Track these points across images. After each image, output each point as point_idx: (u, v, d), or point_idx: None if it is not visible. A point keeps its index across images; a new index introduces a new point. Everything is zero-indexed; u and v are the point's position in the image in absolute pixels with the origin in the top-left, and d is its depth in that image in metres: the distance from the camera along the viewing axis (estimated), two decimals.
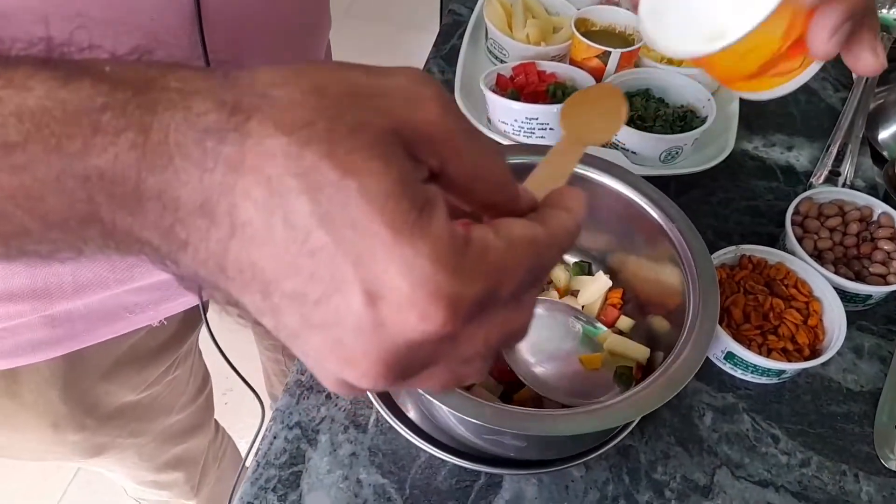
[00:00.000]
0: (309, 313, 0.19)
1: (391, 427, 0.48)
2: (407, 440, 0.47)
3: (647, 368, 0.48)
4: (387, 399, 0.49)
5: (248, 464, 0.47)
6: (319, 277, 0.18)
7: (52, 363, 0.51)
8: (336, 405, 0.50)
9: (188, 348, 0.69)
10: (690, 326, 0.42)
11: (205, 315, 0.52)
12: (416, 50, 0.96)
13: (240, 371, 0.75)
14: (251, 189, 0.18)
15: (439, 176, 0.21)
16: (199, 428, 0.80)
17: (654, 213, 0.48)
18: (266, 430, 0.49)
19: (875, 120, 0.74)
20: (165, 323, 0.57)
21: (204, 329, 0.67)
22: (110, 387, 0.58)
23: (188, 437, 0.78)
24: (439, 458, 0.47)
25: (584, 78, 0.68)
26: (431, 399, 0.38)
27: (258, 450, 0.48)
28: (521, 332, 0.23)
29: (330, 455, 0.47)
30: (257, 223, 0.18)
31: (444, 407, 0.38)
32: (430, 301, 0.18)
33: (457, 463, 0.46)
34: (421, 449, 0.47)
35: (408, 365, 0.20)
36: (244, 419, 0.93)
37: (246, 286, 0.19)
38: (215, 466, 0.89)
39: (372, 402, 0.49)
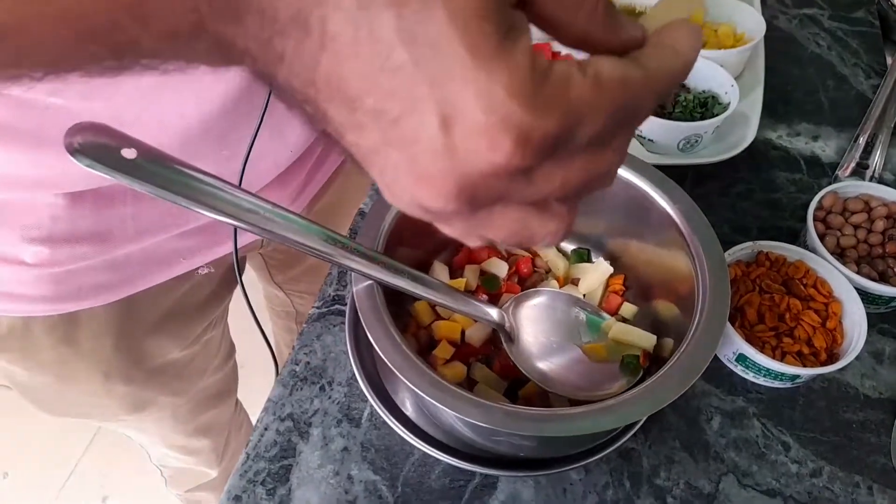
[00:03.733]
0: (388, 130, 0.19)
1: (385, 422, 0.47)
2: (401, 437, 0.46)
3: (653, 355, 0.46)
4: (382, 393, 0.47)
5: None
6: (399, 96, 0.19)
7: (109, 310, 0.54)
8: (330, 398, 0.49)
9: (222, 311, 0.72)
10: (699, 316, 0.40)
11: (237, 266, 0.53)
12: None
13: (253, 342, 0.77)
14: (342, 1, 0.18)
15: (529, 3, 0.20)
16: (227, 395, 0.84)
17: (661, 201, 0.45)
18: (257, 422, 0.47)
19: None
20: (212, 270, 0.59)
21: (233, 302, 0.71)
22: (158, 340, 0.61)
23: (217, 402, 0.81)
24: (433, 457, 0.45)
25: None
26: (437, 403, 0.37)
27: (248, 441, 0.46)
28: (603, 179, 0.23)
29: (321, 449, 0.46)
30: (345, 36, 0.18)
31: (449, 411, 0.37)
32: (499, 130, 0.18)
33: (451, 462, 0.44)
34: (415, 446, 0.46)
35: (479, 193, 0.20)
36: (254, 395, 0.94)
37: (332, 100, 0.20)
38: (236, 437, 0.92)
39: (367, 397, 0.47)
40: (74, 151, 0.33)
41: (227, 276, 0.67)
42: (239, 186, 0.38)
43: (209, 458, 0.88)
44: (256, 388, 0.91)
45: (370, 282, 0.41)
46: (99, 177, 0.35)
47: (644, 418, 0.46)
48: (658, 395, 0.37)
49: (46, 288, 0.50)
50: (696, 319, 0.40)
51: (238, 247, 0.58)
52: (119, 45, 0.21)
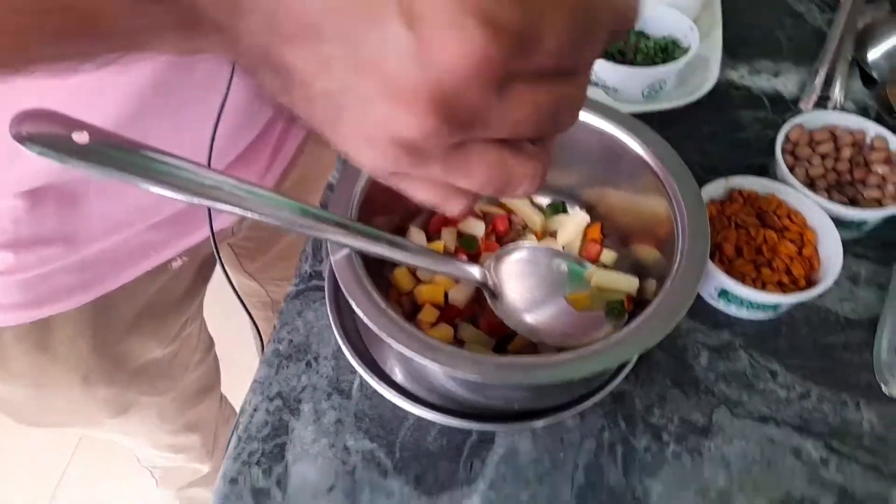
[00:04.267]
0: (355, 53, 0.19)
1: (376, 391, 0.46)
2: (393, 403, 0.45)
3: (637, 299, 0.46)
4: (370, 363, 0.47)
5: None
6: (360, 8, 0.19)
7: (83, 311, 0.52)
8: (317, 373, 0.48)
9: (198, 305, 0.71)
10: (680, 254, 0.40)
11: (216, 248, 0.52)
12: None
13: (229, 337, 0.76)
14: None
15: None
16: (211, 389, 0.83)
17: (633, 144, 0.45)
18: (245, 404, 0.47)
19: (863, 40, 0.71)
20: (185, 260, 0.58)
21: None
22: (137, 339, 0.60)
23: (202, 397, 0.80)
24: (428, 419, 0.45)
25: None
26: (429, 362, 0.36)
27: (238, 423, 0.46)
28: (572, 107, 0.23)
29: (314, 424, 0.46)
30: None
31: (441, 369, 0.36)
32: (466, 16, 0.18)
33: (447, 422, 0.44)
34: (408, 411, 0.45)
35: (456, 106, 0.20)
36: (235, 390, 0.94)
37: (295, 38, 0.20)
38: (224, 431, 0.91)
39: (355, 368, 0.47)
40: (23, 140, 0.31)
41: (201, 268, 0.66)
42: (208, 166, 0.37)
43: (199, 453, 0.87)
44: (240, 381, 0.90)
45: (347, 251, 0.40)
46: (51, 168, 0.33)
47: (634, 360, 0.47)
48: (646, 334, 0.38)
49: (15, 295, 0.49)
50: (678, 257, 0.41)
51: (206, 236, 0.57)
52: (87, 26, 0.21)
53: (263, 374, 0.48)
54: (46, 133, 0.32)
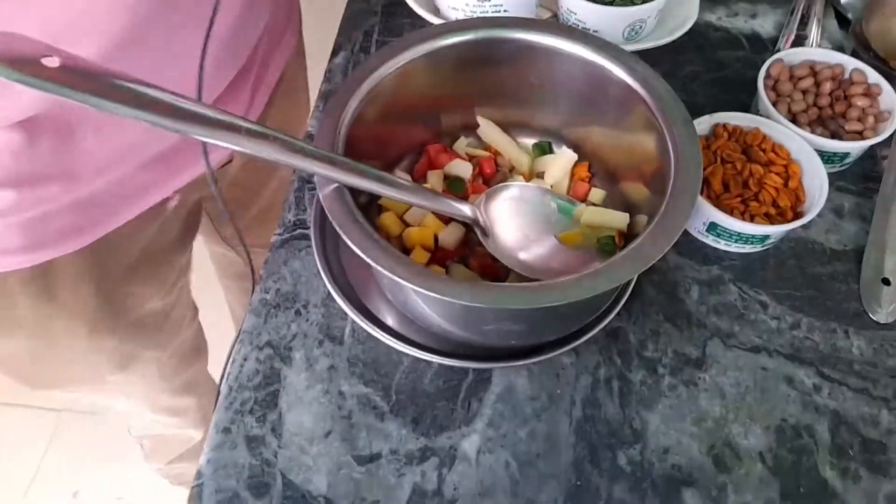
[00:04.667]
0: None
1: (369, 336, 0.45)
2: (387, 347, 0.45)
3: (629, 236, 0.46)
4: (360, 308, 0.46)
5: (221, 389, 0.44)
6: None
7: (83, 255, 0.52)
8: (307, 320, 0.47)
9: (188, 259, 0.71)
10: (674, 176, 0.40)
11: (213, 177, 0.51)
12: None
13: (210, 319, 0.77)
14: None
15: None
16: (203, 351, 0.84)
17: (619, 73, 0.44)
18: (235, 354, 0.45)
19: None
20: (178, 198, 0.58)
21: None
22: (137, 286, 0.61)
23: (197, 357, 0.81)
24: (423, 360, 0.44)
25: None
26: (430, 293, 0.35)
27: (228, 374, 0.44)
28: None
29: (307, 371, 0.45)
30: None
31: (442, 299, 0.35)
32: None
33: (442, 362, 0.44)
34: (403, 353, 0.45)
35: None
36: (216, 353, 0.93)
37: None
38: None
39: (346, 313, 0.46)
40: None
41: (190, 214, 0.66)
42: (198, 100, 0.35)
43: (195, 418, 0.87)
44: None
45: (335, 185, 0.39)
46: (44, 97, 0.32)
47: (626, 296, 0.46)
48: (643, 255, 0.37)
49: (17, 238, 0.48)
50: (671, 180, 0.40)
51: (197, 174, 0.56)
52: None
53: (252, 323, 0.46)
54: (15, 56, 0.30)
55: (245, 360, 0.45)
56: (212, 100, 0.52)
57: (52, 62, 0.31)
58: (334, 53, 0.63)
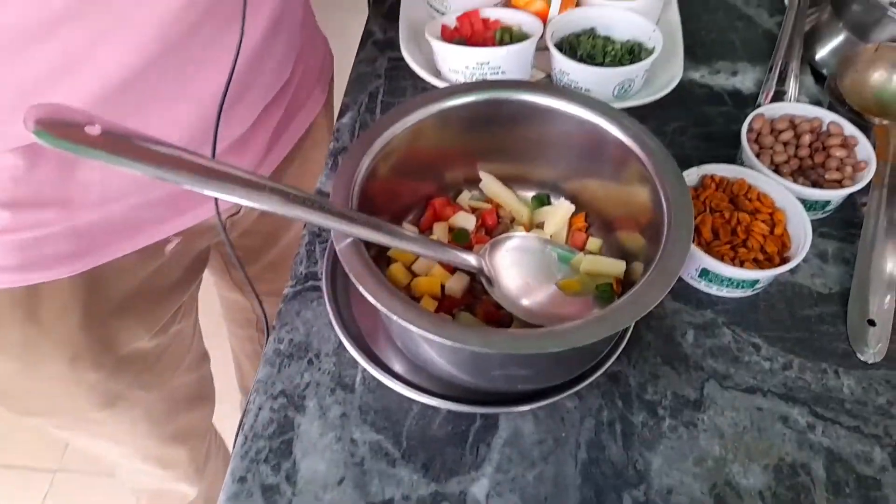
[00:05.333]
0: None
1: (379, 384, 0.47)
2: (397, 394, 0.46)
3: (626, 282, 0.48)
4: (371, 356, 0.48)
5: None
6: None
7: (74, 284, 0.52)
8: (319, 369, 0.48)
9: (190, 301, 0.71)
10: (667, 227, 0.42)
11: (223, 226, 0.54)
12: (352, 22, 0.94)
13: (213, 361, 0.77)
14: None
15: None
16: (203, 400, 0.82)
17: (613, 130, 0.47)
18: (250, 404, 0.47)
19: (811, 41, 0.76)
20: (179, 241, 0.58)
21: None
22: (126, 322, 0.60)
23: (194, 406, 0.79)
24: (432, 407, 0.46)
25: (530, 21, 0.68)
26: (444, 340, 0.37)
27: (243, 423, 0.46)
28: None
29: (320, 419, 0.46)
30: None
31: (455, 343, 0.37)
32: None
33: (451, 408, 0.45)
34: (413, 400, 0.46)
35: None
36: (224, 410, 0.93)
37: None
38: (215, 455, 0.90)
39: (357, 362, 0.48)
40: (37, 131, 0.32)
41: (195, 260, 0.66)
42: (214, 139, 0.38)
43: (187, 471, 0.85)
44: (222, 414, 0.90)
45: (351, 239, 0.41)
46: None
47: (625, 341, 0.48)
48: (642, 301, 0.39)
49: (9, 257, 0.49)
50: (665, 229, 0.43)
51: (200, 219, 0.58)
52: None
53: (265, 373, 0.48)
54: (59, 124, 0.33)
55: (260, 409, 0.46)
56: (226, 144, 0.54)
57: (94, 129, 0.33)
58: (341, 114, 0.66)
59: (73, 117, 0.33)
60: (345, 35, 0.94)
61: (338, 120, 0.65)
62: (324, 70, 0.69)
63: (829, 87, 0.69)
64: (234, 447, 0.46)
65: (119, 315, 0.59)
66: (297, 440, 0.45)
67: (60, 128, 0.32)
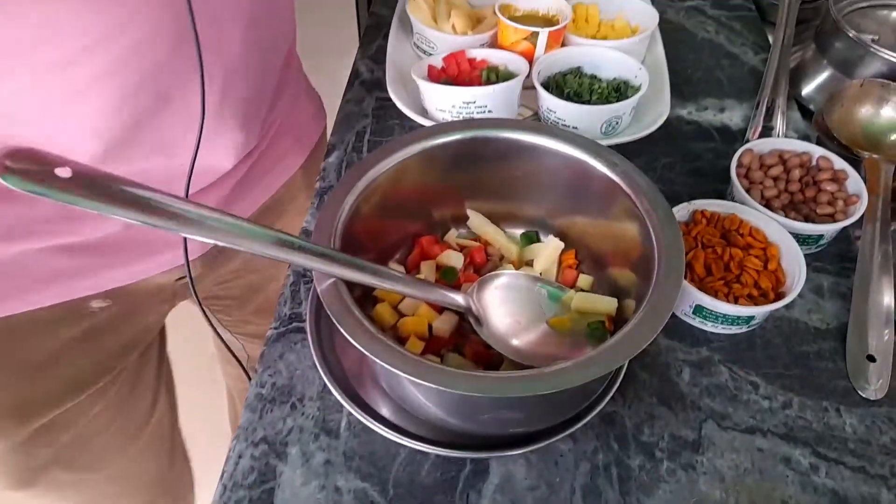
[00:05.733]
0: None
1: (365, 428, 0.45)
2: (383, 439, 0.44)
3: (618, 319, 0.47)
4: (357, 400, 0.46)
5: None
6: None
7: None
8: (303, 414, 0.47)
9: (139, 365, 0.61)
10: (658, 263, 0.41)
11: (192, 286, 0.49)
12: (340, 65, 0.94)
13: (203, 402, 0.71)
14: None
15: None
16: (174, 487, 0.70)
17: (604, 170, 0.47)
18: (230, 451, 0.45)
19: (796, 77, 0.76)
20: (108, 304, 0.51)
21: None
22: (44, 384, 0.52)
23: (157, 494, 0.68)
24: (420, 452, 0.44)
25: (516, 60, 0.68)
26: (430, 384, 0.35)
27: (223, 472, 0.44)
28: None
29: (303, 466, 0.44)
30: None
31: (446, 389, 0.36)
32: None
33: (439, 453, 0.43)
34: (400, 445, 0.44)
35: None
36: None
37: None
38: None
39: (342, 406, 0.46)
40: (5, 174, 0.31)
41: (134, 318, 0.57)
42: (186, 191, 0.37)
43: None
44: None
45: (332, 280, 0.40)
46: None
47: (619, 380, 0.47)
48: (634, 339, 0.38)
49: None
50: (656, 266, 0.42)
51: (137, 278, 0.53)
52: None
53: (247, 419, 0.46)
54: (30, 168, 0.32)
55: (240, 457, 0.44)
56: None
57: (65, 172, 0.33)
58: (328, 153, 0.65)
59: (42, 159, 0.32)
60: (336, 77, 0.94)
61: (324, 159, 0.65)
62: (302, 138, 0.67)
63: (816, 123, 0.69)
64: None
65: (36, 375, 0.52)
66: (279, 489, 0.43)
67: (30, 171, 0.32)
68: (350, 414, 0.45)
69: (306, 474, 0.44)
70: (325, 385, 0.47)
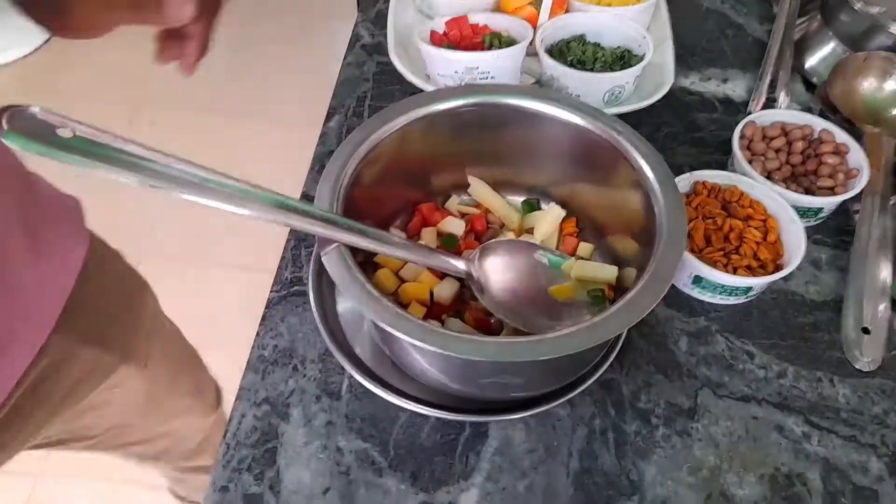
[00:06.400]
0: None
1: (366, 391, 0.46)
2: (384, 402, 0.45)
3: (618, 288, 0.47)
4: (358, 363, 0.46)
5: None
6: None
7: None
8: (305, 376, 0.47)
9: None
10: (660, 230, 0.41)
11: None
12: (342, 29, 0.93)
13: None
14: None
15: None
16: None
17: (603, 134, 0.47)
18: (233, 411, 0.45)
19: (800, 49, 0.76)
20: None
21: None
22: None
23: None
24: (421, 415, 0.45)
25: (519, 25, 0.67)
26: (432, 347, 0.36)
27: (226, 431, 0.44)
28: None
29: (305, 427, 0.45)
30: None
31: (448, 353, 0.36)
32: None
33: (439, 416, 0.44)
34: (400, 408, 0.45)
35: None
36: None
37: None
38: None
39: (343, 369, 0.46)
40: (6, 134, 0.31)
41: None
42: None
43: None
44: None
45: (336, 246, 0.40)
46: None
47: (618, 348, 0.47)
48: (636, 307, 0.38)
49: None
50: (657, 234, 0.42)
51: None
52: None
53: (249, 380, 0.46)
54: (30, 127, 0.31)
55: (243, 416, 0.45)
56: None
57: (66, 132, 0.32)
58: (328, 118, 0.65)
59: (44, 118, 0.32)
60: (335, 43, 0.93)
61: (324, 124, 0.64)
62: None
63: (819, 95, 0.69)
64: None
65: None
66: (282, 449, 0.44)
67: (30, 130, 0.31)
68: (351, 377, 0.46)
69: (308, 434, 0.44)
70: (326, 348, 0.47)
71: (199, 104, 1.82)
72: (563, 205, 0.53)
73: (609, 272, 0.48)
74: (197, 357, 0.83)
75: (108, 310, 0.63)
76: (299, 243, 0.55)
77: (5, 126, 0.31)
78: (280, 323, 0.50)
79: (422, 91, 0.65)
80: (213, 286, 1.50)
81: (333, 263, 0.39)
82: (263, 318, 0.50)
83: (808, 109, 0.69)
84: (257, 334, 0.49)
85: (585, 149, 0.49)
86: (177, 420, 0.80)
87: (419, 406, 0.44)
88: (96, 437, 0.69)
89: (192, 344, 0.81)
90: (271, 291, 0.51)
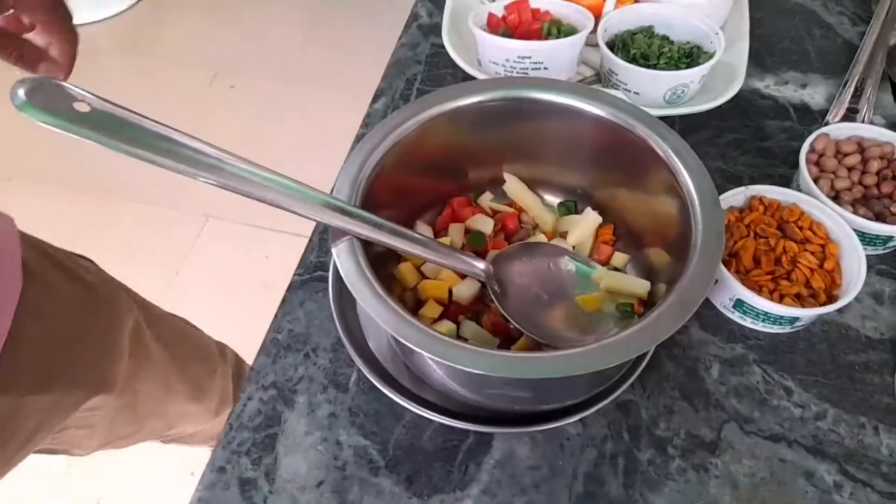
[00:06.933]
0: None
1: (373, 387, 0.45)
2: (389, 400, 0.44)
3: (648, 303, 0.45)
4: (368, 357, 0.46)
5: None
6: None
7: None
8: (315, 364, 0.47)
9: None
10: (693, 251, 0.38)
11: None
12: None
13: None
14: None
15: None
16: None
17: (649, 140, 0.43)
18: (242, 392, 0.46)
19: (894, 56, 0.69)
20: None
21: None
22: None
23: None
24: (425, 418, 0.44)
25: (581, 15, 0.64)
26: (430, 355, 0.35)
27: (231, 412, 0.45)
28: None
29: (308, 416, 0.44)
30: None
31: (443, 362, 0.35)
32: None
33: (444, 422, 0.43)
34: (405, 408, 0.44)
35: None
36: None
37: None
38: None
39: (353, 362, 0.46)
40: (23, 105, 0.31)
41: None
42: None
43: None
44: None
45: (348, 239, 0.39)
46: None
47: (641, 368, 0.45)
48: (656, 330, 0.36)
49: None
50: (691, 254, 0.39)
51: None
52: None
53: (260, 362, 0.47)
54: (48, 101, 0.32)
55: (249, 399, 0.45)
56: None
57: (83, 107, 0.32)
58: (375, 99, 0.64)
59: (61, 92, 0.32)
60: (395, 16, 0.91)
61: (371, 105, 0.63)
62: None
63: None
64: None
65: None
66: (282, 436, 0.44)
67: (48, 104, 0.31)
68: (360, 371, 0.45)
69: (310, 424, 0.44)
70: (339, 338, 0.46)
71: (278, 72, 1.84)
72: (602, 210, 0.51)
73: (641, 286, 0.46)
74: (202, 360, 0.80)
75: (60, 346, 0.55)
76: (327, 228, 0.54)
77: (24, 98, 0.31)
78: (298, 308, 0.49)
79: (473, 78, 0.63)
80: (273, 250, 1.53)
81: (343, 257, 0.38)
82: (283, 301, 0.50)
83: (894, 125, 0.63)
84: (275, 317, 0.49)
85: (626, 152, 0.46)
86: (175, 428, 0.80)
87: (424, 410, 0.43)
88: (91, 447, 0.68)
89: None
90: (294, 274, 0.51)
